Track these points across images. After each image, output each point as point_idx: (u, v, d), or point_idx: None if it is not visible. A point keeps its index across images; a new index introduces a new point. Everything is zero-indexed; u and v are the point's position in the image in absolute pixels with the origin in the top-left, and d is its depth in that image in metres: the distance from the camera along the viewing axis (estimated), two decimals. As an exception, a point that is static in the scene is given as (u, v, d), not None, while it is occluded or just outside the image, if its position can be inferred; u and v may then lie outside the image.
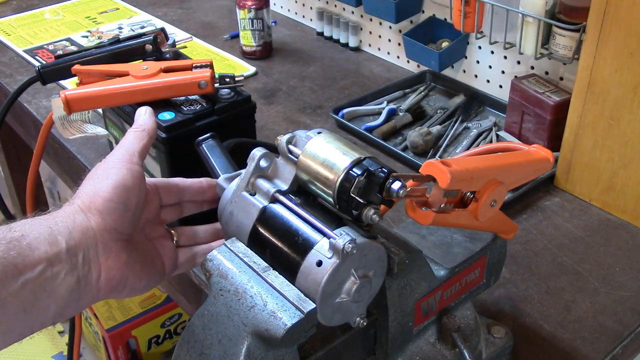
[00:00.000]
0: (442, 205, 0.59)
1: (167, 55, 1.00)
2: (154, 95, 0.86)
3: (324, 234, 0.55)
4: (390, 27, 1.47)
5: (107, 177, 0.59)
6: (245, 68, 1.46)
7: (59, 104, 0.85)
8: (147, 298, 1.85)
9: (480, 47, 1.30)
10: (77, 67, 1.18)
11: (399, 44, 1.46)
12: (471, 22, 1.17)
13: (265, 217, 0.59)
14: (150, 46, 1.26)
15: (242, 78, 0.90)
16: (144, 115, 0.66)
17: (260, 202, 0.60)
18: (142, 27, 1.64)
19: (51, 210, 0.57)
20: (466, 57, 1.33)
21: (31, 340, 2.12)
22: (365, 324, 0.59)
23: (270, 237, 0.58)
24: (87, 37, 1.60)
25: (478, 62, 1.31)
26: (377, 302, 0.61)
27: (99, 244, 0.57)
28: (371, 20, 1.51)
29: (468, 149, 1.15)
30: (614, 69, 0.91)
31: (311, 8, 1.66)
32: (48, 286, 0.52)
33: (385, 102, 1.31)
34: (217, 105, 0.87)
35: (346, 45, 1.57)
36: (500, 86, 1.28)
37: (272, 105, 1.33)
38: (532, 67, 1.20)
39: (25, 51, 1.53)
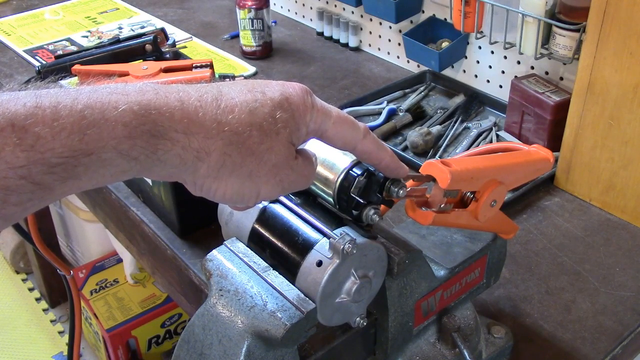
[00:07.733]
0: (442, 205, 0.59)
1: (167, 55, 1.00)
2: (154, 95, 0.86)
3: (324, 234, 0.55)
4: (390, 27, 1.47)
5: None
6: (245, 68, 1.46)
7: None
8: (147, 298, 1.86)
9: (480, 47, 1.29)
10: (77, 67, 1.19)
11: (399, 44, 1.46)
12: (471, 22, 1.17)
13: (265, 217, 0.59)
14: (150, 46, 1.27)
15: (242, 78, 0.90)
16: None
17: (260, 202, 0.60)
18: (142, 27, 1.64)
19: None
20: (466, 57, 1.33)
21: (31, 340, 2.12)
22: (365, 324, 0.59)
23: (270, 237, 0.58)
24: (87, 37, 1.60)
25: (478, 62, 1.31)
26: (377, 302, 0.61)
27: None
28: (371, 20, 1.51)
29: (468, 149, 1.15)
30: (614, 69, 0.91)
31: (311, 8, 1.66)
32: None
33: (385, 102, 1.31)
34: (217, 105, 0.87)
35: (346, 45, 1.57)
36: (500, 86, 1.28)
37: (272, 105, 1.33)
38: (532, 67, 1.20)
39: (25, 51, 1.53)
